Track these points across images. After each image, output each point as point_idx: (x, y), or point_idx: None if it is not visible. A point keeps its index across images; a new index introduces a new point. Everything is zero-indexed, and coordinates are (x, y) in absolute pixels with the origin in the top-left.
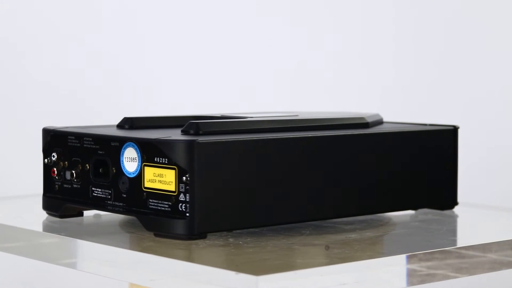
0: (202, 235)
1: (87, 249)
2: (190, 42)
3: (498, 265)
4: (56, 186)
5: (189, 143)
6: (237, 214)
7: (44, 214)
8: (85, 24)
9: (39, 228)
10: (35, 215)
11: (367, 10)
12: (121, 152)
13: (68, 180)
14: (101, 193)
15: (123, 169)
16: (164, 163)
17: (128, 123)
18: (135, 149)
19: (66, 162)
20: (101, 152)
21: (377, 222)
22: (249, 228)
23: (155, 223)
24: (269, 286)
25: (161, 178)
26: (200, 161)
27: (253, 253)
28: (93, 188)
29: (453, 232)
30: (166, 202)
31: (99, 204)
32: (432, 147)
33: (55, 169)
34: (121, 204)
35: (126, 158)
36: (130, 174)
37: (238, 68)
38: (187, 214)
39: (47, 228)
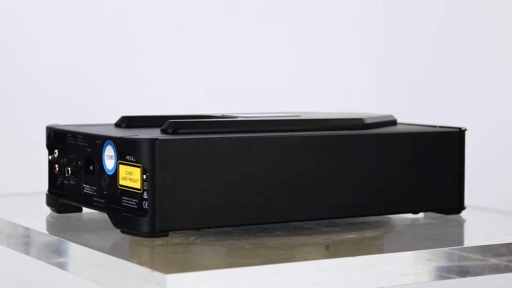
0: (163, 233)
1: (53, 244)
2: (194, 43)
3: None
4: (58, 182)
5: (150, 142)
6: (202, 213)
7: (47, 210)
8: (88, 25)
9: (27, 223)
10: (38, 211)
11: (368, 10)
12: (102, 150)
13: (67, 176)
14: (89, 189)
15: (104, 167)
16: (133, 161)
17: (125, 121)
18: (113, 147)
19: (65, 159)
20: (89, 150)
21: (364, 224)
22: (216, 228)
23: (121, 220)
24: (174, 285)
25: (131, 176)
26: (161, 159)
27: (192, 252)
28: (83, 185)
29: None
30: (134, 200)
31: (87, 201)
32: (435, 149)
33: (56, 166)
34: (102, 201)
35: (106, 156)
36: (109, 171)
37: (242, 67)
38: (148, 212)
39: (32, 223)
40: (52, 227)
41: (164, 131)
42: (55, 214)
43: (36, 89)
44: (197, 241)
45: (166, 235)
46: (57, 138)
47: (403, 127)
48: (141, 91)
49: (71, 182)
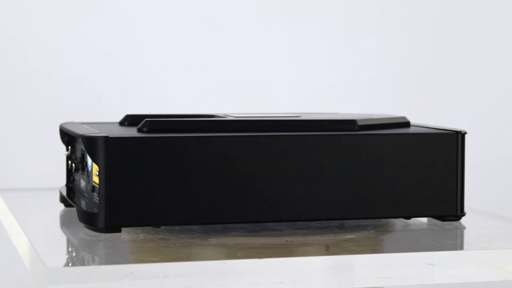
0: (115, 229)
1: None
2: (199, 43)
3: None
4: (71, 177)
5: (102, 139)
6: (155, 210)
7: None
8: (92, 24)
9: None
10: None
11: (371, 10)
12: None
13: (72, 172)
14: (83, 185)
15: (87, 164)
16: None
17: (128, 120)
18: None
19: (75, 156)
20: (82, 148)
21: (364, 225)
22: (168, 225)
23: (81, 215)
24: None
25: (96, 172)
26: (111, 156)
27: (113, 247)
28: (81, 181)
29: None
30: (96, 195)
31: (81, 196)
32: (431, 153)
33: (69, 161)
34: (87, 196)
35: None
36: (89, 168)
37: (247, 67)
38: (99, 208)
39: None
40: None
41: (139, 130)
42: (67, 208)
43: (64, 82)
44: (141, 236)
45: (119, 231)
46: (67, 135)
47: (401, 130)
48: (154, 90)
49: (75, 177)
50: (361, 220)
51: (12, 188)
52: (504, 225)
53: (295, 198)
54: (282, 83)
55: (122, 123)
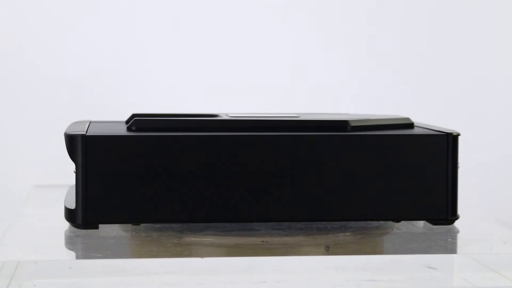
0: (91, 226)
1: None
2: (206, 43)
3: None
4: None
5: (79, 137)
6: (133, 208)
7: None
8: (92, 23)
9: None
10: None
11: (373, 9)
12: None
13: None
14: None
15: None
16: None
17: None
18: None
19: None
20: None
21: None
22: (147, 223)
23: (65, 211)
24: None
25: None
26: (87, 154)
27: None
28: None
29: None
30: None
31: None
32: (421, 155)
33: None
34: (71, 192)
35: None
36: None
37: (252, 67)
38: (75, 205)
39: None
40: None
41: (128, 128)
42: None
43: (65, 83)
44: (114, 232)
45: (96, 228)
46: None
47: (393, 131)
48: (157, 90)
49: None
50: (349, 222)
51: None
52: (498, 229)
53: (282, 198)
54: (283, 84)
55: (128, 122)
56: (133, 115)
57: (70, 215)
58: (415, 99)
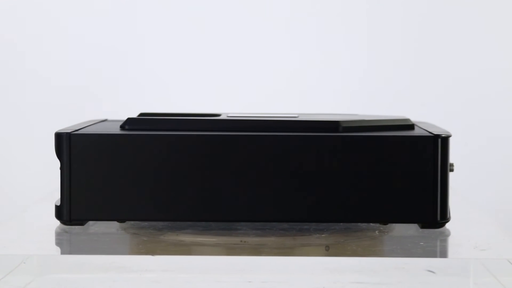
0: (76, 222)
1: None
2: (204, 43)
3: None
4: None
5: (65, 136)
6: (118, 206)
7: None
8: (92, 23)
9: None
10: None
11: (376, 9)
12: None
13: None
14: None
15: None
16: None
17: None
18: None
19: None
20: None
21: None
22: (132, 221)
23: (55, 208)
24: None
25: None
26: (70, 152)
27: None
28: None
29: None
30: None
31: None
32: (408, 156)
33: None
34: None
35: None
36: None
37: (251, 68)
38: (61, 201)
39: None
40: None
41: (122, 128)
42: None
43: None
44: (96, 229)
45: (81, 224)
46: None
47: (381, 133)
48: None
49: None
50: (334, 223)
51: None
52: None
53: (268, 198)
54: (285, 84)
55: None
56: (140, 114)
57: (57, 211)
58: (436, 100)
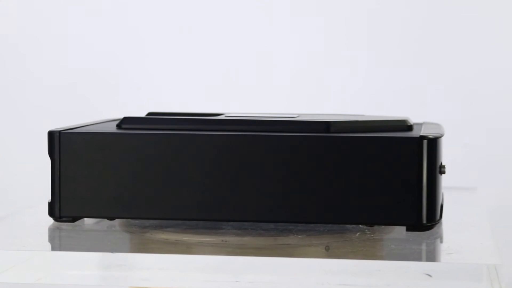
0: (66, 219)
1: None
2: (200, 43)
3: None
4: None
5: (56, 134)
6: (106, 203)
7: None
8: (90, 24)
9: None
10: None
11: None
12: None
13: None
14: None
15: None
16: None
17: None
18: None
19: None
20: None
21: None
22: (120, 218)
23: (48, 206)
24: None
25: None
26: (60, 150)
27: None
28: None
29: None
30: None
31: None
32: (393, 157)
33: None
34: None
35: None
36: None
37: (251, 68)
38: (52, 198)
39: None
40: None
41: (118, 127)
42: None
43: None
44: (83, 225)
45: (71, 221)
46: None
47: (369, 134)
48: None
49: None
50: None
51: None
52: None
53: (253, 198)
54: (286, 85)
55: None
56: (148, 114)
57: (49, 208)
58: (445, 101)
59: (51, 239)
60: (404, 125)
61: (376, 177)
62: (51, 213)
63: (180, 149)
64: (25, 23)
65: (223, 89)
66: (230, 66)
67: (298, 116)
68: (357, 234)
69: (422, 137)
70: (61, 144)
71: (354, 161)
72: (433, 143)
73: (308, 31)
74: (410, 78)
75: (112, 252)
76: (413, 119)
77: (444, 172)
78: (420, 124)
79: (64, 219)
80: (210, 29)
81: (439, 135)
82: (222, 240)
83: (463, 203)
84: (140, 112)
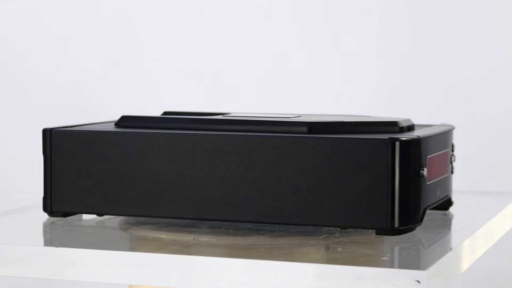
0: (57, 214)
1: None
2: (199, 42)
3: None
4: None
5: (48, 132)
6: (96, 200)
7: None
8: (89, 24)
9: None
10: None
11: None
12: None
13: None
14: None
15: None
16: None
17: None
18: None
19: None
20: None
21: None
22: (110, 215)
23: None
24: None
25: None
26: (51, 147)
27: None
28: None
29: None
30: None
31: None
32: (365, 159)
33: None
34: None
35: None
36: None
37: (251, 68)
38: (44, 194)
39: None
40: None
41: (117, 125)
42: None
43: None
44: (71, 221)
45: (62, 216)
46: None
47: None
48: (150, 90)
49: None
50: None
51: None
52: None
53: (229, 198)
54: (287, 85)
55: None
56: (164, 113)
57: (42, 203)
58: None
59: (45, 234)
60: (395, 127)
61: (349, 179)
62: (44, 208)
63: (167, 148)
64: (25, 23)
65: (224, 90)
66: (232, 66)
67: (298, 116)
68: (321, 236)
69: (394, 139)
70: (52, 141)
71: (329, 163)
72: (407, 145)
73: (311, 31)
74: (424, 80)
75: (56, 247)
76: (432, 121)
77: (422, 176)
78: (428, 126)
79: (54, 214)
80: (210, 29)
81: (416, 137)
82: (194, 239)
83: (460, 207)
84: (156, 111)
